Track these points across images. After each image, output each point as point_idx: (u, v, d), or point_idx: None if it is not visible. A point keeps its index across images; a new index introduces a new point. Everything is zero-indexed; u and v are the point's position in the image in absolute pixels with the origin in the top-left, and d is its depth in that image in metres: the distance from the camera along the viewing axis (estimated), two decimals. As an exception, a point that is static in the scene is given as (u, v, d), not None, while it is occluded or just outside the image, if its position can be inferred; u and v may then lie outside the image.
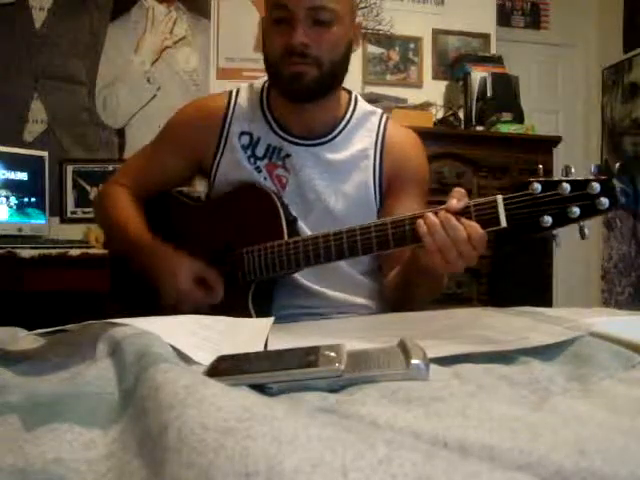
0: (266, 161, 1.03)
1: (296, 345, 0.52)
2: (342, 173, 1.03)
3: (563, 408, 0.40)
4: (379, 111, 1.09)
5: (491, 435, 0.32)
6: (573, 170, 0.71)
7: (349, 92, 1.09)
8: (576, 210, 0.70)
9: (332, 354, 0.47)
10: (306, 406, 0.42)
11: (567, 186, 0.70)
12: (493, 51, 3.01)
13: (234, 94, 1.08)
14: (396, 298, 1.02)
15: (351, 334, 0.77)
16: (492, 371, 0.50)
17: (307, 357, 0.47)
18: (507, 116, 2.61)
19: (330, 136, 1.04)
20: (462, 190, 0.78)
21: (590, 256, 3.51)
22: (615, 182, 0.68)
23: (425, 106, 2.68)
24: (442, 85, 2.97)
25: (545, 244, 2.56)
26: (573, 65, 3.54)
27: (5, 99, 2.49)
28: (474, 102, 2.69)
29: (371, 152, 1.04)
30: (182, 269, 0.93)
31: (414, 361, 0.46)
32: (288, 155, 1.02)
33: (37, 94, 2.54)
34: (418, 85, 2.97)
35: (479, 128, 2.63)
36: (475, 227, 0.74)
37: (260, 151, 1.03)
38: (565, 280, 3.16)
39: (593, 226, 3.49)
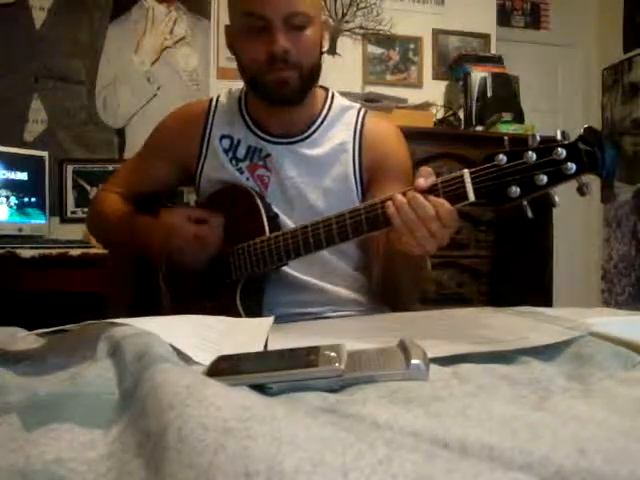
0: (247, 162, 1.05)
1: (296, 345, 0.52)
2: (321, 168, 1.04)
3: (563, 408, 0.40)
4: (356, 105, 1.11)
5: (491, 435, 0.32)
6: (539, 138, 0.69)
7: (326, 89, 1.11)
8: (543, 177, 0.68)
9: (332, 354, 0.47)
10: (306, 406, 0.42)
11: (532, 154, 0.68)
12: (493, 51, 3.01)
13: (214, 100, 1.11)
14: (384, 291, 1.04)
15: (351, 334, 0.77)
16: (492, 371, 0.50)
17: (307, 357, 0.47)
18: (507, 116, 2.61)
19: (307, 133, 1.05)
20: (428, 169, 0.78)
21: (590, 256, 3.51)
22: (581, 145, 0.66)
23: (425, 106, 2.68)
24: (442, 85, 2.97)
25: (545, 244, 2.56)
26: (573, 65, 3.54)
27: (5, 99, 2.49)
28: (474, 102, 2.69)
29: (350, 145, 1.05)
30: (176, 218, 0.97)
31: (414, 361, 0.46)
32: (268, 155, 1.04)
33: (37, 94, 2.54)
34: (418, 85, 2.97)
35: (479, 128, 2.63)
36: (443, 203, 0.74)
37: (241, 153, 1.06)
38: (565, 280, 3.16)
39: (593, 226, 3.49)
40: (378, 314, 1.03)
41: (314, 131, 1.05)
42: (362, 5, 2.87)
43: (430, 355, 0.49)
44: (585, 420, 0.38)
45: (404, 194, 0.77)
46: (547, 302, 2.49)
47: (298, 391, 0.45)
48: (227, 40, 1.02)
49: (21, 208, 2.27)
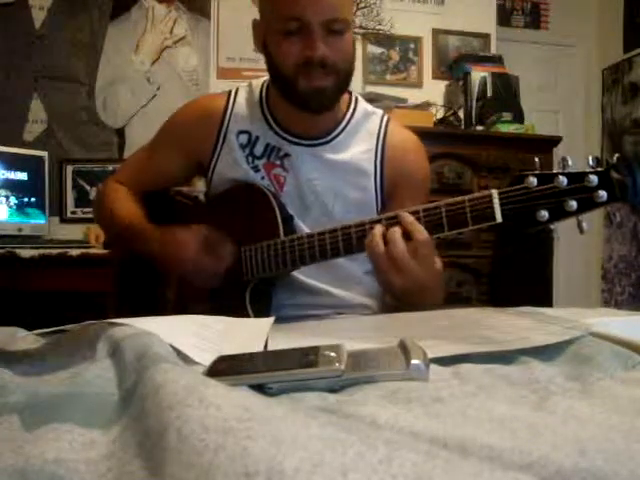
0: (264, 160, 1.03)
1: (296, 345, 0.52)
2: (342, 174, 1.02)
3: (563, 408, 0.40)
4: (380, 112, 1.09)
5: (491, 435, 0.32)
6: (570, 163, 0.69)
7: (349, 92, 1.09)
8: (573, 203, 0.68)
9: (332, 354, 0.47)
10: (306, 406, 0.42)
11: (564, 179, 0.68)
12: (493, 51, 3.01)
13: (233, 94, 1.08)
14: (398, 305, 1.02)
15: (351, 334, 0.77)
16: (492, 371, 0.50)
17: (307, 357, 0.47)
18: (507, 116, 2.61)
19: (330, 136, 1.03)
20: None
21: (590, 256, 3.51)
22: (613, 174, 0.66)
23: (425, 106, 2.68)
24: (442, 85, 2.97)
25: (545, 244, 2.56)
26: (573, 65, 3.54)
27: (5, 99, 2.49)
28: (474, 102, 2.70)
29: (372, 154, 1.04)
30: (188, 239, 0.95)
31: (414, 361, 0.46)
32: (287, 155, 1.02)
33: (37, 94, 2.54)
34: (418, 85, 2.97)
35: (479, 128, 2.63)
36: (422, 233, 0.76)
37: (259, 150, 1.03)
38: (565, 280, 3.16)
39: (594, 226, 3.49)
40: (378, 314, 1.02)
41: (337, 135, 1.03)
42: (362, 5, 2.87)
43: (430, 355, 0.49)
44: (585, 420, 0.38)
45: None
46: (547, 302, 2.49)
47: (298, 391, 0.44)
48: (256, 37, 0.99)
49: (21, 208, 2.27)
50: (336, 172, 1.02)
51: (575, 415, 0.39)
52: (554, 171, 0.69)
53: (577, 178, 0.68)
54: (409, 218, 0.77)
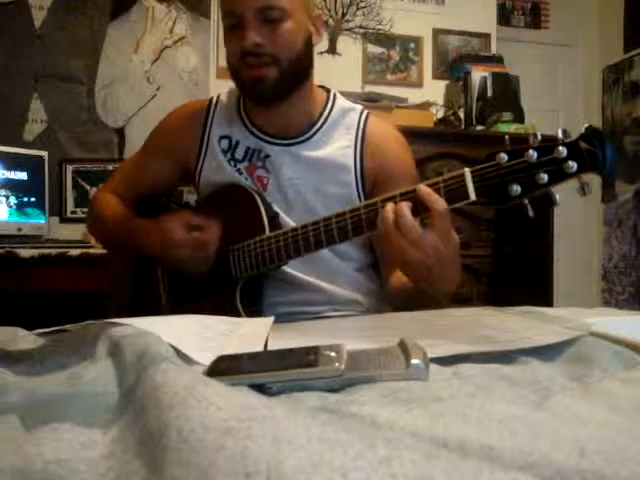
0: (246, 163, 1.04)
1: (296, 345, 0.52)
2: (322, 171, 1.03)
3: (563, 408, 0.40)
4: (359, 107, 1.09)
5: (491, 435, 0.32)
6: (539, 138, 0.69)
7: (327, 90, 1.09)
8: (544, 176, 0.68)
9: (332, 354, 0.47)
10: (306, 406, 0.42)
11: (533, 153, 0.68)
12: (493, 51, 3.01)
13: (214, 99, 1.10)
14: (400, 303, 1.02)
15: (351, 334, 0.77)
16: (492, 371, 0.50)
17: (307, 357, 0.47)
18: (507, 116, 2.61)
19: (308, 134, 1.04)
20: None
21: (590, 256, 3.51)
22: (582, 144, 0.66)
23: (425, 106, 2.68)
24: (442, 85, 2.97)
25: (545, 244, 2.56)
26: (573, 65, 3.54)
27: (5, 99, 2.49)
28: (474, 102, 2.70)
29: (351, 149, 1.04)
30: (171, 223, 0.95)
31: (414, 361, 0.46)
32: (267, 156, 1.03)
33: (37, 94, 2.54)
34: (418, 85, 2.97)
35: (479, 128, 2.63)
36: (431, 236, 0.75)
37: (240, 154, 1.04)
38: (565, 280, 3.16)
39: (593, 226, 3.49)
40: (378, 314, 1.02)
41: (314, 133, 1.04)
42: (362, 4, 2.87)
43: (430, 355, 0.49)
44: (585, 420, 0.38)
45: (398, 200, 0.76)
46: (547, 302, 2.49)
47: (298, 391, 0.44)
48: None
49: (21, 208, 2.27)
50: (316, 169, 1.03)
51: (575, 415, 0.39)
52: (524, 146, 0.69)
53: (547, 151, 0.68)
54: (425, 189, 0.75)
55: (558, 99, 3.53)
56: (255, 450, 0.27)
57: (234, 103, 1.09)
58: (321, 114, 1.05)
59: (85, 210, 2.56)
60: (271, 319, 0.76)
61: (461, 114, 2.74)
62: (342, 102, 1.09)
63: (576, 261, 3.42)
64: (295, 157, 1.03)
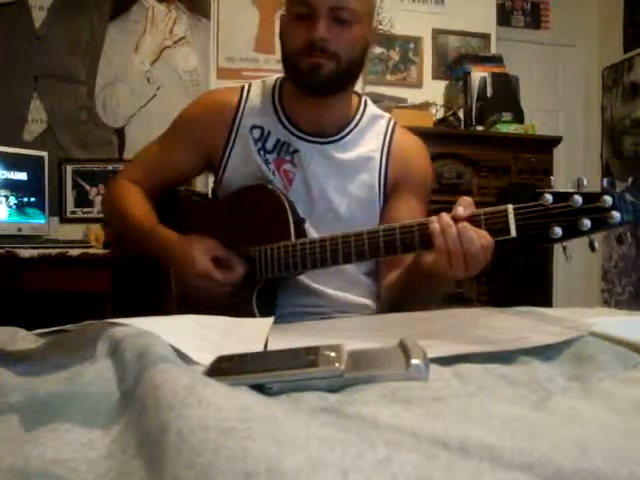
0: (274, 155, 1.04)
1: (296, 345, 0.52)
2: (348, 173, 1.04)
3: (563, 408, 0.40)
4: (387, 115, 1.12)
5: (491, 435, 0.32)
6: (585, 182, 0.70)
7: (359, 95, 1.11)
8: (587, 222, 0.69)
9: (332, 354, 0.47)
10: (306, 406, 0.42)
11: (579, 198, 0.69)
12: (493, 51, 3.01)
13: (246, 88, 1.09)
14: (394, 300, 1.03)
15: (351, 334, 0.77)
16: (492, 371, 0.50)
17: (307, 357, 0.47)
18: (507, 116, 2.61)
19: (339, 135, 1.05)
20: (469, 199, 0.78)
21: (590, 256, 3.50)
22: (627, 196, 0.68)
23: (425, 106, 2.68)
24: (442, 85, 2.97)
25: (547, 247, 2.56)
26: (573, 65, 3.54)
27: (5, 99, 2.49)
28: (474, 102, 2.69)
29: (377, 154, 1.06)
30: (198, 251, 0.94)
31: (414, 361, 0.46)
32: (296, 150, 1.03)
33: (37, 94, 2.54)
34: (418, 85, 2.97)
35: (479, 128, 2.63)
36: (487, 238, 0.74)
37: (270, 145, 1.05)
38: (565, 280, 3.16)
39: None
40: (378, 314, 1.03)
41: (345, 135, 1.05)
42: (362, 5, 2.87)
43: (430, 355, 0.49)
44: (585, 420, 0.38)
45: (454, 220, 0.76)
46: (547, 302, 2.49)
47: (298, 391, 0.44)
48: (280, 30, 1.02)
49: (20, 208, 2.27)
50: (342, 170, 1.04)
51: (575, 415, 0.39)
52: (570, 190, 0.71)
53: (592, 198, 0.69)
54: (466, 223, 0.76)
55: (558, 99, 3.53)
56: (255, 450, 0.27)
57: (269, 94, 1.08)
58: (353, 118, 1.07)
59: (85, 210, 2.57)
60: (271, 319, 0.76)
61: (461, 114, 2.74)
62: (373, 108, 1.11)
63: (576, 261, 3.42)
64: (324, 156, 1.04)
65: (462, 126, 2.71)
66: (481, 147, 2.49)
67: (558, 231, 0.71)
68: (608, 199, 0.68)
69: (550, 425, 0.35)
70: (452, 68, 2.92)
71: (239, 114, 1.06)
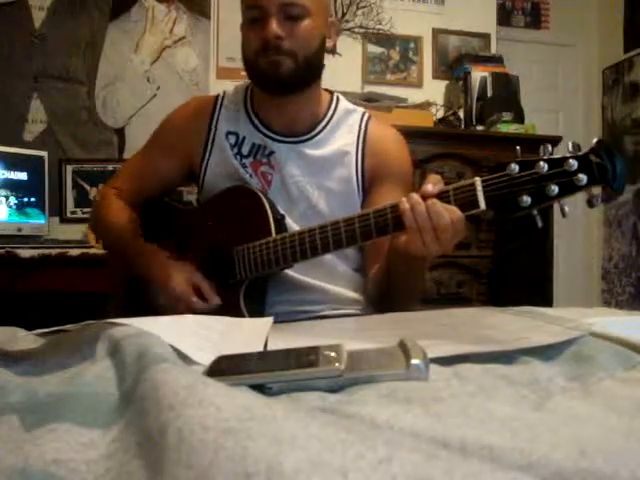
0: (251, 159, 1.06)
1: (296, 345, 0.52)
2: (324, 169, 1.05)
3: (563, 408, 0.40)
4: (360, 110, 1.13)
5: (491, 435, 0.32)
6: (550, 149, 0.70)
7: (331, 92, 1.13)
8: (554, 188, 0.69)
9: (332, 354, 0.47)
10: (306, 406, 0.42)
11: (544, 164, 0.69)
12: (493, 51, 3.01)
13: (221, 96, 1.12)
14: (379, 291, 1.04)
15: (351, 334, 0.77)
16: (492, 371, 0.50)
17: (307, 357, 0.47)
18: (507, 116, 2.61)
19: (312, 133, 1.06)
20: (437, 176, 0.79)
21: (590, 256, 3.51)
22: (592, 157, 0.67)
23: (425, 106, 2.68)
24: (442, 85, 2.97)
25: (545, 244, 2.56)
26: (573, 65, 3.54)
27: (5, 99, 2.49)
28: (474, 102, 2.69)
29: (352, 148, 1.07)
30: (176, 277, 0.97)
31: (414, 361, 0.46)
32: (272, 152, 1.05)
33: (37, 94, 2.53)
34: (418, 85, 2.97)
35: (479, 128, 2.63)
36: (455, 211, 0.75)
37: (245, 149, 1.07)
38: (565, 280, 3.16)
39: (593, 226, 3.49)
40: (377, 314, 1.03)
41: (318, 132, 1.07)
42: (362, 4, 2.87)
43: (430, 355, 0.49)
44: (585, 420, 0.38)
45: (422, 198, 0.76)
46: (547, 302, 2.48)
47: (298, 391, 0.44)
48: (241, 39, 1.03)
49: (20, 208, 2.27)
50: (318, 167, 1.05)
51: (575, 415, 0.39)
52: (534, 157, 0.70)
53: (557, 163, 0.69)
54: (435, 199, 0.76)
55: (558, 99, 3.53)
56: (255, 450, 0.27)
57: (241, 99, 1.10)
58: (325, 114, 1.08)
59: (85, 210, 2.56)
60: (271, 319, 0.76)
61: (461, 114, 2.74)
62: (345, 104, 1.12)
63: (576, 261, 3.42)
64: (299, 155, 1.05)
65: (462, 126, 2.71)
66: (481, 147, 2.49)
67: (527, 199, 0.71)
68: (573, 162, 0.68)
69: (550, 425, 0.35)
70: (452, 68, 2.92)
71: (214, 121, 1.08)
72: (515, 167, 0.71)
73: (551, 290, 2.60)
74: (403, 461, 0.27)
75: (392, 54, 2.96)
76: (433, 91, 2.90)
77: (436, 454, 0.28)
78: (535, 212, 0.72)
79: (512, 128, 2.57)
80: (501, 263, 2.47)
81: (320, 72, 1.05)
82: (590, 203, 0.69)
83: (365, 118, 1.10)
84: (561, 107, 3.53)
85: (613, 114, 3.40)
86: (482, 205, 0.74)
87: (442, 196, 0.76)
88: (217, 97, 1.12)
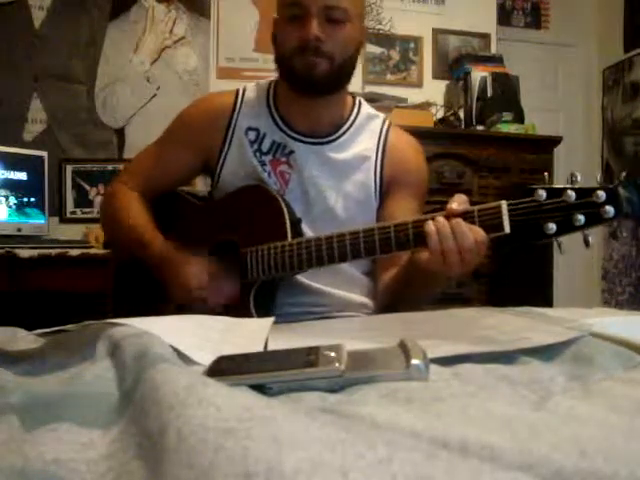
0: (270, 157, 1.05)
1: (296, 345, 0.52)
2: (344, 173, 1.05)
3: (563, 408, 0.40)
4: (382, 115, 1.13)
5: (491, 435, 0.32)
6: (579, 178, 0.70)
7: (353, 96, 1.12)
8: (581, 218, 0.69)
9: (332, 354, 0.47)
10: (306, 406, 0.42)
11: (572, 194, 0.69)
12: (493, 51, 3.01)
13: (241, 91, 1.10)
14: (391, 299, 1.03)
15: (351, 334, 0.77)
16: (492, 371, 0.50)
17: (307, 357, 0.47)
18: (507, 116, 2.61)
19: (334, 136, 1.06)
20: (463, 196, 0.78)
21: (590, 256, 3.50)
22: (621, 191, 0.68)
23: (425, 106, 2.68)
24: (442, 85, 2.97)
25: (545, 244, 2.56)
26: (573, 65, 3.53)
27: (5, 99, 2.49)
28: (474, 102, 2.69)
29: (372, 154, 1.07)
30: (193, 268, 0.97)
31: (414, 361, 0.46)
32: (292, 152, 1.04)
33: (37, 94, 2.53)
34: (418, 85, 2.97)
35: (479, 128, 2.63)
36: (480, 233, 0.74)
37: (265, 146, 1.05)
38: (565, 280, 3.16)
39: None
40: (378, 314, 1.03)
41: (340, 135, 1.06)
42: (362, 5, 2.87)
43: (430, 355, 0.49)
44: (585, 420, 0.38)
45: (447, 218, 0.76)
46: (547, 302, 2.48)
47: (298, 391, 0.44)
48: (273, 32, 1.02)
49: (20, 208, 2.27)
50: (338, 170, 1.05)
51: (575, 415, 0.39)
52: (563, 185, 0.71)
53: (585, 193, 0.69)
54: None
55: (558, 99, 3.52)
56: (255, 450, 0.27)
57: (264, 96, 1.09)
58: (348, 118, 1.08)
59: (85, 210, 2.56)
60: (271, 319, 0.76)
61: (461, 114, 2.74)
62: (367, 108, 1.12)
63: (576, 261, 3.42)
64: (320, 156, 1.04)
65: (462, 126, 2.71)
66: (481, 147, 2.49)
67: (552, 227, 0.71)
68: (601, 194, 0.68)
69: (550, 425, 0.35)
70: (452, 68, 2.92)
71: (234, 117, 1.07)
72: (543, 193, 0.71)
73: (551, 290, 2.60)
74: (403, 461, 0.27)
75: (392, 54, 2.96)
76: (433, 91, 2.90)
77: (436, 454, 0.28)
78: (560, 240, 0.73)
79: (512, 128, 2.57)
80: (501, 263, 2.47)
81: (351, 77, 1.04)
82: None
83: (386, 125, 1.10)
84: (561, 107, 3.52)
85: (613, 114, 3.40)
86: (507, 229, 0.73)
87: (466, 216, 0.75)
88: (237, 92, 1.10)
